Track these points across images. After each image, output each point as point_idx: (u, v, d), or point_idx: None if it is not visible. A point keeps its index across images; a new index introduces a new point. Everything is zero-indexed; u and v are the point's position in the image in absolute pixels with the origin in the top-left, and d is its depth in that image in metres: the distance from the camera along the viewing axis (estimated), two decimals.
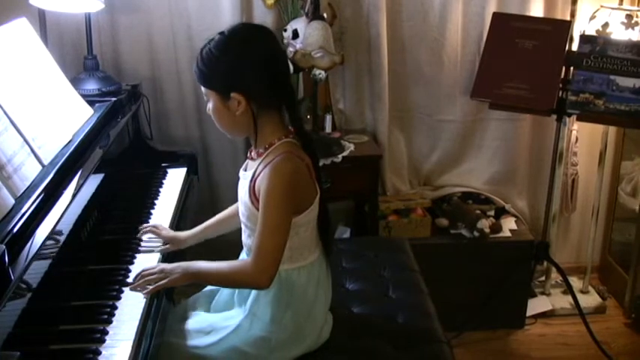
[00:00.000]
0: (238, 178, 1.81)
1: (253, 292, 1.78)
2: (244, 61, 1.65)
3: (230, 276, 1.72)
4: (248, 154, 1.80)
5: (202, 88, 1.73)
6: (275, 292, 1.76)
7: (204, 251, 1.97)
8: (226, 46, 1.67)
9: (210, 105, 1.73)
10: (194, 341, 1.79)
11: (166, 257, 1.92)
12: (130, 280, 1.75)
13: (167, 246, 1.97)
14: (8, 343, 1.31)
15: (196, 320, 1.86)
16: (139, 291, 1.69)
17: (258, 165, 1.71)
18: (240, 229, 1.83)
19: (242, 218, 1.78)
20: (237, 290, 1.86)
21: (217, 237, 2.03)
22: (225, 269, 1.71)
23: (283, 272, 1.75)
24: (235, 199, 1.85)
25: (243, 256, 1.86)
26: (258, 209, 1.67)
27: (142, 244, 1.96)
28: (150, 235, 2.00)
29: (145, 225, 2.03)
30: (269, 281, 1.65)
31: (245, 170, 1.79)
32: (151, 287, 1.69)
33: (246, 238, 1.81)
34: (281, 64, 1.74)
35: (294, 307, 1.77)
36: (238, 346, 1.76)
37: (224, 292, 1.93)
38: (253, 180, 1.70)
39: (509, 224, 3.07)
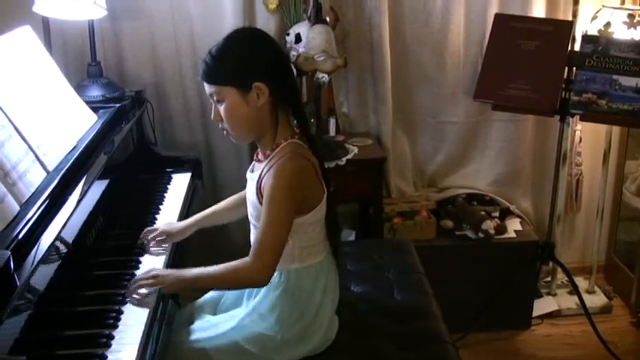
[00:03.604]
0: (244, 182, 1.82)
1: (261, 292, 1.79)
2: (261, 50, 1.68)
3: (228, 275, 1.67)
4: (255, 156, 1.82)
5: (212, 89, 1.68)
6: (282, 292, 1.77)
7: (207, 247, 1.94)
8: (239, 40, 1.69)
9: (222, 106, 1.69)
10: (196, 335, 1.79)
11: (172, 260, 1.92)
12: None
13: (164, 238, 1.95)
14: (15, 349, 1.32)
15: (202, 322, 1.87)
16: (133, 299, 1.65)
17: (265, 166, 1.72)
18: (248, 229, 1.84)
19: (251, 219, 1.80)
20: (246, 291, 1.86)
21: (221, 242, 2.03)
22: (222, 270, 1.67)
23: (293, 271, 1.77)
24: None
25: None
26: None
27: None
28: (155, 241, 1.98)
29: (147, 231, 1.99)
30: (267, 278, 1.65)
31: (252, 172, 1.80)
32: (144, 292, 1.66)
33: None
34: (288, 60, 1.78)
35: (301, 308, 1.78)
36: (242, 345, 1.75)
37: (231, 294, 1.94)
38: (260, 180, 1.71)
39: (514, 225, 3.07)
